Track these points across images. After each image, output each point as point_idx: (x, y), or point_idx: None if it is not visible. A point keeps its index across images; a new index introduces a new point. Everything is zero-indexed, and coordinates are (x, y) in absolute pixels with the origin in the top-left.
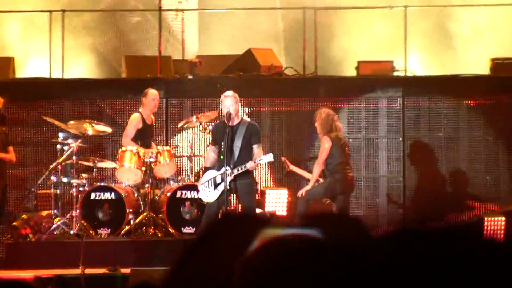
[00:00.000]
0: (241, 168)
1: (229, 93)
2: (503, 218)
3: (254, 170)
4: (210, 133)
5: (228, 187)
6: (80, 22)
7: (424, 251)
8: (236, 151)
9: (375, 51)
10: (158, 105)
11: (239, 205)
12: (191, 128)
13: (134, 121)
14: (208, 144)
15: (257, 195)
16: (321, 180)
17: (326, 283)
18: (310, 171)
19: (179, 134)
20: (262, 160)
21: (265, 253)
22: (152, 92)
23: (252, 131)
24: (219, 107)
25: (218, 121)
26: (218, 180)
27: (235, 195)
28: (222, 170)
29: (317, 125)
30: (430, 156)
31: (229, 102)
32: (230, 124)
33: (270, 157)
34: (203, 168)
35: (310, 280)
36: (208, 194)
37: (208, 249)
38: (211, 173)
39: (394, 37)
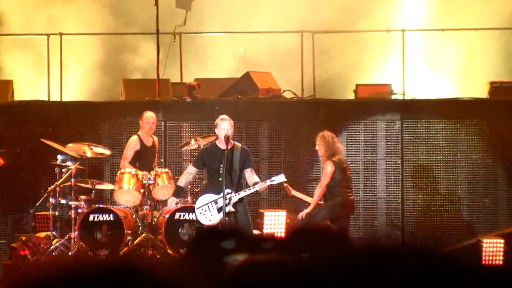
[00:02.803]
0: (249, 190)
1: (226, 116)
2: (502, 241)
3: None
4: (198, 154)
5: (233, 209)
6: (79, 44)
7: (416, 272)
8: (235, 174)
9: (373, 74)
10: (153, 128)
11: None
12: (189, 150)
13: (131, 144)
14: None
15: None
16: (321, 202)
17: None
18: (310, 194)
19: (178, 156)
20: (274, 181)
21: (242, 274)
22: (147, 116)
23: (247, 155)
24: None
25: (208, 144)
26: (220, 203)
27: (233, 216)
28: (222, 193)
29: (321, 148)
30: (428, 178)
31: (227, 125)
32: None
33: (282, 177)
34: (176, 186)
35: None
36: (211, 217)
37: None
38: (210, 197)
39: (391, 60)
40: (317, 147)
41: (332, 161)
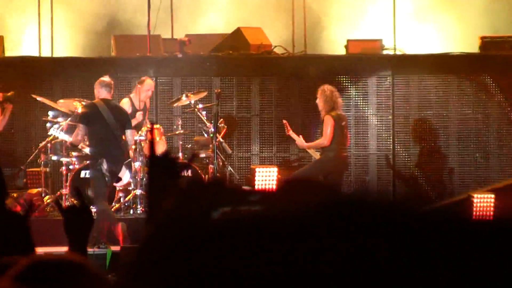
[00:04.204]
0: None
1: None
2: (492, 196)
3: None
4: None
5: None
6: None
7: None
8: None
9: (364, 29)
10: (151, 95)
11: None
12: (180, 106)
13: (125, 106)
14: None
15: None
16: (318, 155)
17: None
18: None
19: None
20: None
21: (225, 226)
22: (149, 83)
23: None
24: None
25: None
26: None
27: None
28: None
29: (319, 102)
30: (419, 134)
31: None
32: None
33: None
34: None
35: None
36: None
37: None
38: None
39: (382, 15)
40: (317, 101)
41: (330, 116)
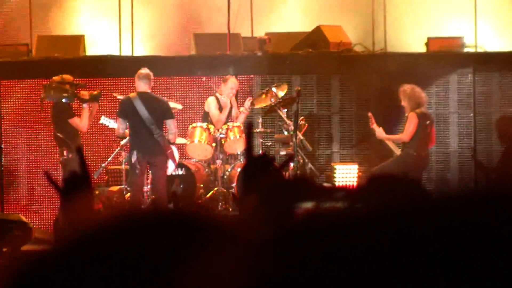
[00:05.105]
0: None
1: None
2: None
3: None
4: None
5: None
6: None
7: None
8: None
9: (445, 27)
10: (235, 93)
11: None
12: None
13: (212, 104)
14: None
15: None
16: (399, 152)
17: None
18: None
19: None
20: None
21: (311, 222)
22: (232, 81)
23: None
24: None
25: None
26: None
27: None
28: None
29: (404, 103)
30: (501, 131)
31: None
32: None
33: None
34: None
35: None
36: None
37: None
38: None
39: (464, 12)
40: (402, 103)
41: (415, 113)
